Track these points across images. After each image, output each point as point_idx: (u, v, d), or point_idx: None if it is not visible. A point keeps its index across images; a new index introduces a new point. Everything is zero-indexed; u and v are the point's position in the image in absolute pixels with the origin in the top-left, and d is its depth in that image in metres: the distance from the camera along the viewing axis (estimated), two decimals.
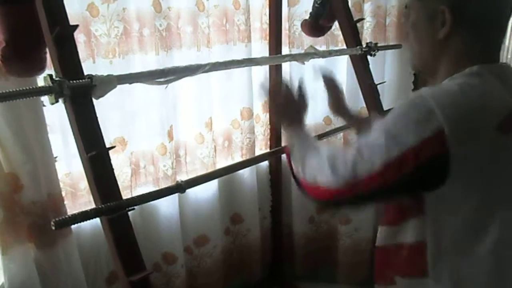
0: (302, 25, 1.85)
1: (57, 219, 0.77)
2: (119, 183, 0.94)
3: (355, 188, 0.78)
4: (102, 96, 0.92)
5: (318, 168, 0.86)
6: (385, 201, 0.88)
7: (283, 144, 1.07)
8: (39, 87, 0.84)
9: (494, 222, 0.75)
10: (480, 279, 0.77)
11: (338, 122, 2.17)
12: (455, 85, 0.75)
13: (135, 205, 0.91)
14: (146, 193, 0.97)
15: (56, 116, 1.41)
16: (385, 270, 0.93)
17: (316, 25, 1.80)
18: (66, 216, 0.79)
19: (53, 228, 0.76)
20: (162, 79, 1.01)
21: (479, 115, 0.72)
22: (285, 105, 1.12)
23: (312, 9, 1.78)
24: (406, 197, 0.81)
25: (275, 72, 1.98)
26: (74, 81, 0.86)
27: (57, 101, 0.84)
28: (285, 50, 1.98)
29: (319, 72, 1.32)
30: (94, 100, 0.92)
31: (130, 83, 1.02)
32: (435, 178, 0.73)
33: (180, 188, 1.01)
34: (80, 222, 0.81)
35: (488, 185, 0.74)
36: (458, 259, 0.78)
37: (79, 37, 1.40)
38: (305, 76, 2.08)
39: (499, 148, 0.73)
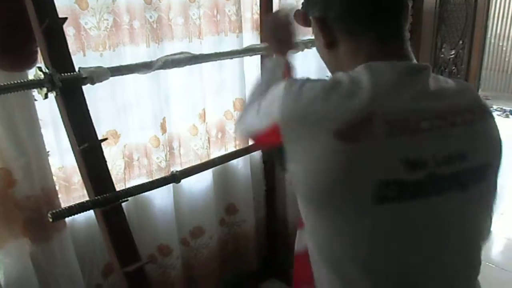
0: (295, 15, 1.84)
1: (53, 211, 0.77)
2: (112, 176, 0.95)
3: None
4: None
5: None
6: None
7: None
8: (30, 80, 0.84)
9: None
10: None
11: None
12: (313, 84, 0.71)
13: (131, 196, 0.92)
14: (142, 184, 0.97)
15: (48, 110, 1.40)
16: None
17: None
18: (63, 208, 0.79)
19: (50, 220, 0.77)
20: (151, 69, 1.01)
21: (316, 118, 0.66)
22: (275, 26, 1.08)
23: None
24: None
25: None
26: (65, 74, 0.86)
27: (46, 97, 0.84)
28: None
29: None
30: (85, 93, 0.92)
31: (122, 75, 1.02)
32: None
33: (175, 178, 1.02)
34: (76, 213, 0.81)
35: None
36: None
37: (69, 30, 1.39)
38: (296, 65, 2.09)
39: (335, 154, 0.65)
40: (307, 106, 0.67)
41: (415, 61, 0.75)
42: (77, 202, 0.84)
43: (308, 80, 0.72)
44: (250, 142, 0.84)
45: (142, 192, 0.96)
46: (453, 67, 2.41)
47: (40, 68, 0.83)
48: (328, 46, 0.78)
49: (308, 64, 2.10)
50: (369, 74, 0.68)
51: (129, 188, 0.92)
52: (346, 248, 0.70)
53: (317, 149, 0.65)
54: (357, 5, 0.73)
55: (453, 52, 2.36)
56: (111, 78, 0.99)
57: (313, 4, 0.80)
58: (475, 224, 0.74)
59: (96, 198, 0.83)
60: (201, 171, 1.17)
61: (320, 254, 0.74)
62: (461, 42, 2.39)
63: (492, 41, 5.69)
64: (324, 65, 0.96)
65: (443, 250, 0.71)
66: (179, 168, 1.79)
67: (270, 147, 0.78)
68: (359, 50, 0.74)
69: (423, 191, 0.67)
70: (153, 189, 1.00)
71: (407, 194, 0.66)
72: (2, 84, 0.81)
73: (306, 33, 2.01)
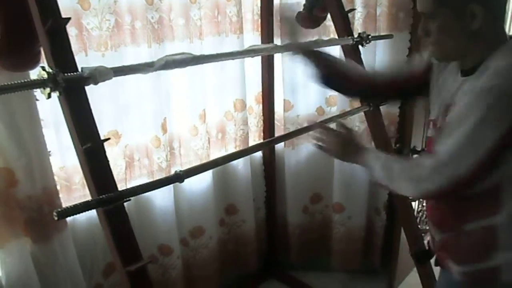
0: (296, 17, 1.86)
1: (59, 209, 0.77)
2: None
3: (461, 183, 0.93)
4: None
5: (415, 179, 0.98)
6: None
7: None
8: (33, 80, 0.84)
9: None
10: None
11: (331, 112, 2.19)
12: None
13: (136, 195, 0.92)
14: (146, 183, 0.98)
15: (49, 110, 1.41)
16: (452, 222, 1.07)
17: (310, 17, 1.80)
18: (68, 206, 0.79)
19: (56, 218, 0.77)
20: (153, 69, 1.02)
21: None
22: (343, 144, 1.16)
23: (306, 0, 1.79)
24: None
25: (267, 63, 1.99)
26: (68, 74, 0.86)
27: (49, 97, 0.84)
28: (277, 41, 1.99)
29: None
30: (87, 93, 0.93)
31: (125, 75, 1.02)
32: None
33: (179, 177, 1.02)
34: (82, 212, 0.81)
35: None
36: None
37: (71, 30, 1.40)
38: (297, 66, 2.10)
39: None
40: None
41: None
42: (77, 202, 0.85)
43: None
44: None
45: (146, 191, 0.96)
46: None
47: (44, 68, 0.83)
48: (477, 28, 0.94)
49: None
50: None
51: (133, 187, 0.92)
52: None
53: None
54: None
55: None
56: (112, 78, 0.99)
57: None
58: None
59: (101, 197, 0.83)
60: (205, 170, 1.18)
61: None
62: None
63: None
64: None
65: None
66: (179, 169, 1.80)
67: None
68: (497, 30, 0.98)
69: None
70: (158, 188, 1.00)
71: None
72: (5, 83, 0.81)
73: (308, 36, 2.03)
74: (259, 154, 2.18)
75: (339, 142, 1.17)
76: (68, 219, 1.42)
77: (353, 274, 2.36)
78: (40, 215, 1.35)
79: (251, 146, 1.81)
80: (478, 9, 0.92)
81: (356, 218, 2.27)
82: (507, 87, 0.87)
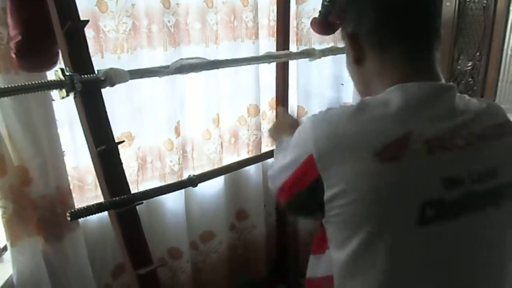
0: (312, 23, 1.84)
1: (72, 210, 0.78)
2: None
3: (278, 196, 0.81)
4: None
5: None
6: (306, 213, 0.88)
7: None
8: (51, 81, 0.85)
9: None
10: None
11: None
12: (339, 110, 0.71)
13: (148, 198, 0.93)
14: (159, 187, 0.98)
15: (64, 110, 1.42)
16: None
17: (326, 23, 1.79)
18: (81, 208, 0.80)
19: (69, 219, 0.78)
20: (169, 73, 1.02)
21: (352, 141, 0.66)
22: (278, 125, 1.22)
23: (322, 7, 1.78)
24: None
25: (282, 69, 1.98)
26: (85, 76, 0.87)
27: (68, 95, 0.85)
28: (292, 47, 1.98)
29: None
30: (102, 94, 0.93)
31: (141, 78, 1.03)
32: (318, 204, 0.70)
33: (192, 182, 1.02)
34: (94, 213, 0.82)
35: (366, 216, 0.65)
36: None
37: (88, 32, 1.40)
38: (312, 73, 2.09)
39: (375, 176, 0.64)
40: (339, 132, 0.67)
41: (443, 81, 0.74)
42: (90, 202, 0.85)
43: (330, 108, 0.72)
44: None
45: (159, 195, 0.96)
46: (470, 79, 2.39)
47: (62, 70, 0.84)
48: (357, 61, 0.78)
49: (324, 71, 2.10)
50: (401, 95, 0.68)
51: (146, 190, 0.92)
52: (382, 273, 0.66)
53: (359, 171, 0.64)
54: (389, 19, 0.73)
55: (470, 64, 2.34)
56: (128, 81, 1.00)
57: (347, 19, 0.80)
58: (507, 243, 0.72)
59: (114, 199, 0.83)
60: (218, 175, 1.18)
61: (351, 278, 0.70)
62: (478, 54, 2.37)
63: (509, 53, 5.62)
64: (338, 73, 0.97)
65: (478, 269, 0.69)
66: (191, 172, 1.81)
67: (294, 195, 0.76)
68: (388, 66, 0.74)
69: (461, 209, 0.66)
70: (171, 192, 1.00)
71: (447, 214, 0.65)
72: (23, 84, 0.82)
73: (322, 41, 2.02)
74: (271, 159, 2.17)
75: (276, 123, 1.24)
76: (80, 219, 1.43)
77: None
78: (53, 215, 1.36)
79: (264, 152, 1.81)
80: (348, 39, 0.78)
81: None
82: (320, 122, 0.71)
